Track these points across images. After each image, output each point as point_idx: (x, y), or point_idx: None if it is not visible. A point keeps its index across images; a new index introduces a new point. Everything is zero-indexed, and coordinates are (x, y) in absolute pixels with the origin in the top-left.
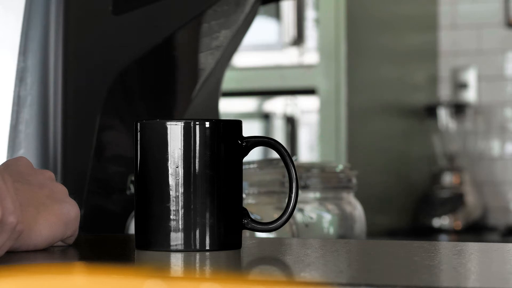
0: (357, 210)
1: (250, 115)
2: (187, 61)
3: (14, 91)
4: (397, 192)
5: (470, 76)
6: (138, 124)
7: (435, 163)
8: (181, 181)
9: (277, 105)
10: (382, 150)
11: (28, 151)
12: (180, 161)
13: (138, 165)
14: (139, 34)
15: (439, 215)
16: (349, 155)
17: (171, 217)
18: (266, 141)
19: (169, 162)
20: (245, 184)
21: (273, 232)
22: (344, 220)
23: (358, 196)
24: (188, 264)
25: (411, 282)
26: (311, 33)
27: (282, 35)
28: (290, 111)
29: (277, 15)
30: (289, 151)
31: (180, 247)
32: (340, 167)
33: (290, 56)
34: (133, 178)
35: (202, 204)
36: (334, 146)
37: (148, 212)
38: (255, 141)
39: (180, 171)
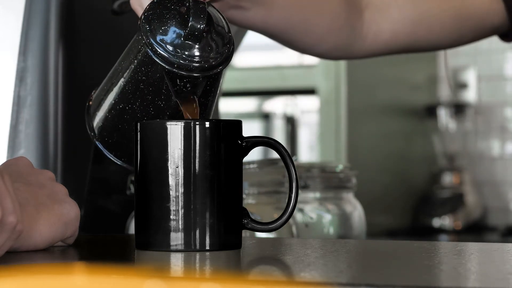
0: (357, 210)
1: (250, 115)
2: None
3: (14, 91)
4: (397, 192)
5: (470, 76)
6: (138, 124)
7: (435, 163)
8: (181, 181)
9: (277, 105)
10: (382, 150)
11: (28, 151)
12: (180, 161)
13: (138, 165)
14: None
15: (439, 215)
16: (349, 155)
17: (171, 217)
18: (266, 141)
19: (169, 162)
20: (245, 184)
21: (273, 232)
22: (344, 220)
23: (358, 196)
24: (188, 264)
25: (411, 282)
26: None
27: None
28: (290, 111)
29: None
30: (289, 151)
31: (180, 247)
32: (340, 167)
33: (290, 56)
34: (133, 178)
35: (202, 204)
36: (334, 146)
37: (148, 212)
38: (255, 141)
39: (180, 171)
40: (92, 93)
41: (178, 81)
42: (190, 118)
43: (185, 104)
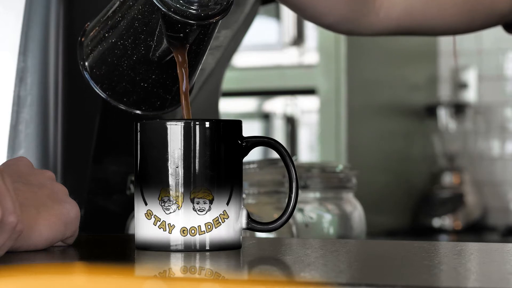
0: (357, 210)
1: (250, 115)
2: None
3: (14, 91)
4: (397, 192)
5: (470, 76)
6: (138, 124)
7: (435, 163)
8: (181, 181)
9: (277, 105)
10: (382, 150)
11: (28, 151)
12: (180, 161)
13: (138, 165)
14: None
15: (439, 215)
16: (349, 155)
17: (171, 217)
18: (266, 141)
19: (169, 162)
20: (245, 184)
21: (273, 232)
22: (344, 220)
23: (358, 196)
24: (188, 264)
25: (411, 282)
26: (311, 33)
27: (282, 35)
28: (290, 111)
29: (277, 15)
30: (289, 151)
31: (180, 247)
32: (340, 167)
33: (290, 56)
34: (133, 178)
35: (202, 204)
36: (334, 146)
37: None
38: (255, 141)
39: (180, 171)
40: (87, 24)
41: (172, 25)
42: (182, 67)
43: (175, 49)
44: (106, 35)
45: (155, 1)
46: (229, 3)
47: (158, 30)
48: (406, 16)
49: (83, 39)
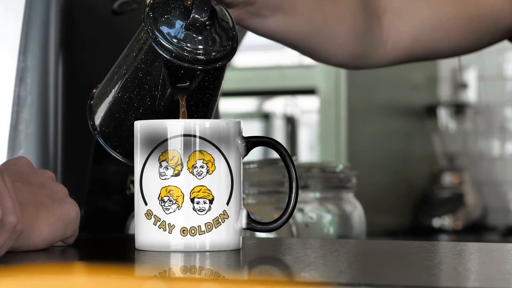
0: (357, 210)
1: (250, 115)
2: None
3: (14, 91)
4: (397, 192)
5: (470, 76)
6: (138, 124)
7: (435, 163)
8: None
9: (277, 105)
10: (382, 150)
11: (28, 151)
12: (180, 161)
13: (138, 165)
14: None
15: (439, 215)
16: (349, 155)
17: (171, 217)
18: (266, 141)
19: (169, 162)
20: (245, 184)
21: (273, 232)
22: (344, 220)
23: (358, 196)
24: (188, 264)
25: (411, 282)
26: None
27: None
28: (290, 111)
29: None
30: (289, 151)
31: (180, 248)
32: (340, 167)
33: (290, 56)
34: (133, 178)
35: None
36: (334, 146)
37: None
38: (255, 141)
39: (180, 171)
40: (95, 89)
41: (175, 71)
42: (183, 110)
43: (179, 98)
44: (112, 90)
45: (156, 48)
46: (232, 47)
47: (161, 78)
48: (414, 44)
49: (91, 102)
